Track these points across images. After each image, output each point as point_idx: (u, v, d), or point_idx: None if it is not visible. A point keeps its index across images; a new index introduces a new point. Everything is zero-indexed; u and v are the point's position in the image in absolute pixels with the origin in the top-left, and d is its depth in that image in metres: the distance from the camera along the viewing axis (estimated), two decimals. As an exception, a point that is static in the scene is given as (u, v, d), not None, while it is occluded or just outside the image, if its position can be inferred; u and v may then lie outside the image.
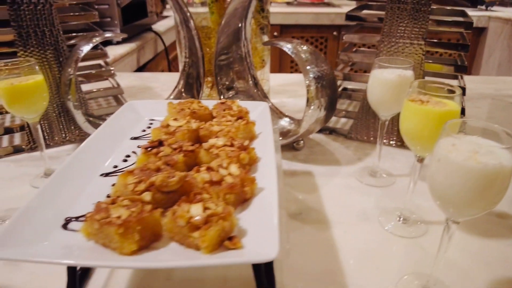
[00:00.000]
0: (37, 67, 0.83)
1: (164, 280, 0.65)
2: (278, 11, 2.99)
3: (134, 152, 0.70)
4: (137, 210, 0.47)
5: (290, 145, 1.04)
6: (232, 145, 0.63)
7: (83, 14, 1.08)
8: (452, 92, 0.67)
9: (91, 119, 1.00)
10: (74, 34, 1.06)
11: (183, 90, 1.14)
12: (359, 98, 1.11)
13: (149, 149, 0.62)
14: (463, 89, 1.01)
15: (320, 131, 1.16)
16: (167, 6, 2.99)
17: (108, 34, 0.97)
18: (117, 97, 1.27)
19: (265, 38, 1.19)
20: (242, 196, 0.55)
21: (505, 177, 0.48)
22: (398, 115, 0.88)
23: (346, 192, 0.89)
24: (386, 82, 0.81)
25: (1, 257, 0.45)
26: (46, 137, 1.06)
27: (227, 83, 1.12)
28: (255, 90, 1.14)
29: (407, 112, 0.68)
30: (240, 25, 1.04)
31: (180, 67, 1.16)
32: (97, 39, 0.95)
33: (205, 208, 0.48)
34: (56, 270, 0.66)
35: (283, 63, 3.10)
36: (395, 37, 1.00)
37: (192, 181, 0.55)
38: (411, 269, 0.67)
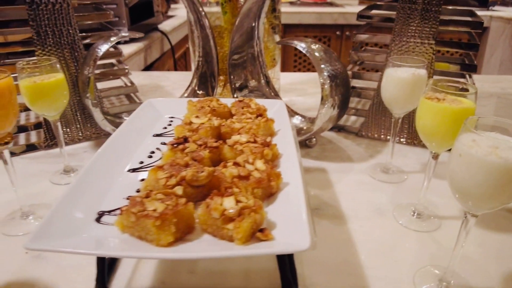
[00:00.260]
0: (58, 66, 0.85)
1: (187, 273, 0.66)
2: (282, 11, 3.00)
3: (158, 149, 0.72)
4: (172, 203, 0.49)
5: (303, 142, 1.06)
6: (255, 142, 0.65)
7: (99, 14, 1.09)
8: (466, 90, 0.69)
9: (108, 117, 1.01)
10: (89, 34, 1.08)
11: (196, 88, 1.16)
12: (370, 97, 1.13)
13: (175, 145, 0.64)
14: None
15: (330, 129, 1.18)
16: (172, 6, 3.01)
17: (124, 34, 0.99)
18: (129, 96, 1.29)
19: (277, 37, 1.21)
20: (268, 190, 0.57)
21: (525, 172, 0.49)
22: (409, 113, 0.90)
23: (360, 188, 0.91)
24: (400, 81, 0.83)
25: (43, 248, 0.47)
26: (64, 134, 1.08)
27: (240, 82, 1.14)
28: (267, 89, 1.16)
29: (423, 109, 0.70)
30: (253, 24, 1.06)
31: (193, 66, 1.18)
32: (114, 38, 0.97)
33: (237, 201, 0.50)
34: (81, 262, 0.68)
35: (286, 62, 3.12)
36: (406, 37, 1.02)
37: (220, 175, 0.57)
38: (426, 262, 0.69)
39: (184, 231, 0.50)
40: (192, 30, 1.12)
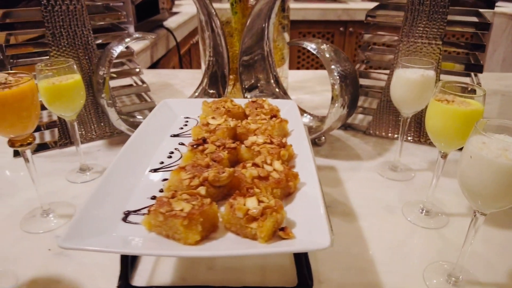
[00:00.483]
0: (75, 67, 0.87)
1: (206, 269, 0.69)
2: (286, 7, 3.01)
3: (176, 149, 0.75)
4: (198, 203, 0.52)
5: (312, 141, 1.09)
6: (271, 143, 0.67)
7: (111, 14, 1.11)
8: (474, 91, 0.71)
9: (122, 116, 1.04)
10: (101, 34, 1.10)
11: (207, 87, 1.18)
12: (377, 96, 1.15)
13: (195, 146, 0.66)
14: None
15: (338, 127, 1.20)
16: (176, 2, 3.01)
17: (138, 35, 1.01)
18: (139, 94, 1.31)
19: (286, 36, 1.23)
20: (286, 190, 0.60)
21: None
22: (417, 112, 0.92)
23: (369, 185, 0.93)
24: (409, 82, 0.85)
25: (76, 247, 0.49)
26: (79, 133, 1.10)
27: (250, 82, 1.16)
28: (276, 89, 1.18)
29: (433, 111, 0.72)
30: (264, 25, 1.08)
31: (204, 66, 1.20)
32: (128, 39, 0.99)
33: (259, 201, 0.52)
34: (103, 260, 0.71)
35: (291, 60, 3.14)
36: (413, 37, 1.04)
37: (240, 176, 0.60)
38: (434, 258, 0.71)
39: (209, 230, 0.53)
40: (203, 30, 1.13)
